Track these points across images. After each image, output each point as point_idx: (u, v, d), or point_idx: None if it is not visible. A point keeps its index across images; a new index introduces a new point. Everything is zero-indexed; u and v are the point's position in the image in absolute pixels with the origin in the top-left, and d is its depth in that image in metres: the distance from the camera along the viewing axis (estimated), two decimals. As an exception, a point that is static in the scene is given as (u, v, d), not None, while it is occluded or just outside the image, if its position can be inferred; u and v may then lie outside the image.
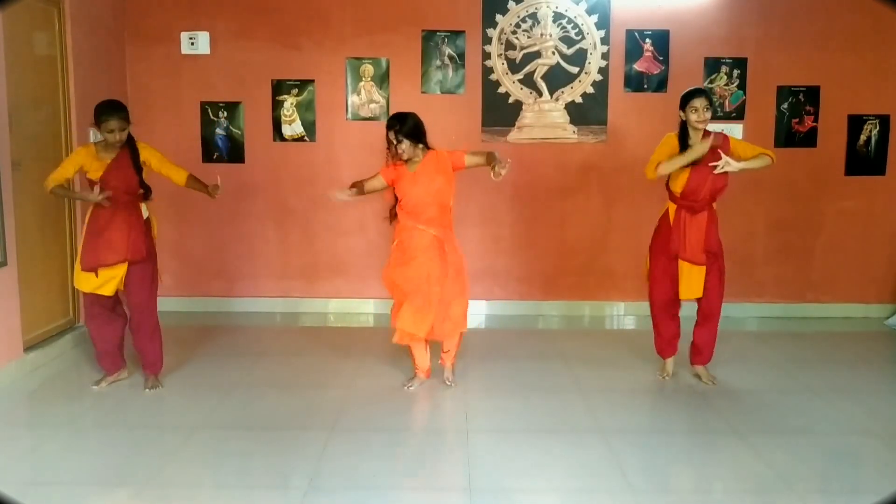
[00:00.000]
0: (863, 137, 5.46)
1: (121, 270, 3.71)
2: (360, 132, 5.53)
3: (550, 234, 5.61)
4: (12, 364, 4.01)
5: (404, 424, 3.58)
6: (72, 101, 4.65)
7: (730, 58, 5.41)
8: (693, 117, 3.68)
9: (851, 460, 3.23)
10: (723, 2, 5.37)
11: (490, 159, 3.55)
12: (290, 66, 5.46)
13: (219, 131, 5.52)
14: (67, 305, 4.70)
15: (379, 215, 5.55)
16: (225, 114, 5.51)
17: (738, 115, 5.45)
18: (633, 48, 5.42)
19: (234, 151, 5.54)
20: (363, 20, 5.42)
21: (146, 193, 3.78)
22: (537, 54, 5.44)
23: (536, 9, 5.40)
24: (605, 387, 4.02)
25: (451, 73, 5.45)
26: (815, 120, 5.45)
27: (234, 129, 5.52)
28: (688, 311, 4.05)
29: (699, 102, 3.66)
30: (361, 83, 5.47)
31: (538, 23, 5.41)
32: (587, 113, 5.48)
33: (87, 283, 3.71)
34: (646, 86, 5.44)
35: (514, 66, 5.44)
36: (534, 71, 5.45)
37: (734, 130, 5.41)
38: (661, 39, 5.40)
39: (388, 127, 3.70)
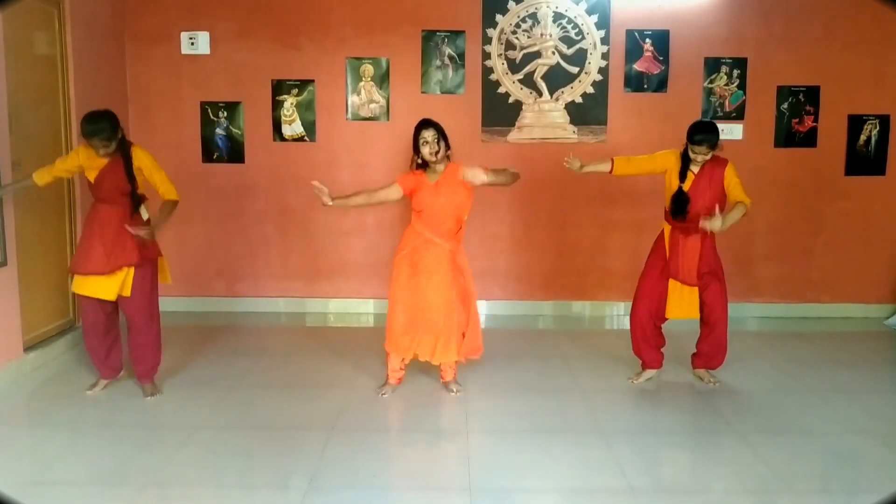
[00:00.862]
0: (863, 137, 5.46)
1: (121, 274, 3.63)
2: (360, 132, 5.53)
3: (550, 234, 5.61)
4: (12, 364, 4.01)
5: (404, 424, 3.58)
6: (72, 101, 4.65)
7: (730, 58, 5.41)
8: (690, 153, 3.73)
9: (851, 460, 3.22)
10: (723, 2, 5.37)
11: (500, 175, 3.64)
12: (290, 66, 5.46)
13: (219, 131, 5.52)
14: (67, 305, 4.70)
15: (379, 215, 5.58)
16: (225, 114, 5.51)
17: (738, 115, 5.45)
18: (633, 48, 5.42)
19: (234, 151, 5.54)
20: (363, 20, 5.42)
21: (139, 202, 3.68)
22: (537, 54, 5.44)
23: (536, 9, 5.40)
24: (605, 387, 4.02)
25: (451, 73, 5.45)
26: (815, 120, 5.45)
27: (234, 129, 5.52)
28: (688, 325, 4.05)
29: (700, 149, 3.69)
30: (361, 83, 5.47)
31: (538, 23, 5.41)
32: (587, 113, 5.48)
33: (84, 286, 3.62)
34: (646, 86, 5.44)
35: (514, 66, 5.44)
36: (534, 71, 5.45)
37: (734, 130, 5.43)
38: (661, 39, 5.40)
39: (426, 126, 3.60)
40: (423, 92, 5.45)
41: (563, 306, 5.67)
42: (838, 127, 5.46)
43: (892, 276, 5.61)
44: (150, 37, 5.44)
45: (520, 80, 5.46)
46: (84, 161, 3.63)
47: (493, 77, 5.46)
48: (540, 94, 5.47)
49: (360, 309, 5.66)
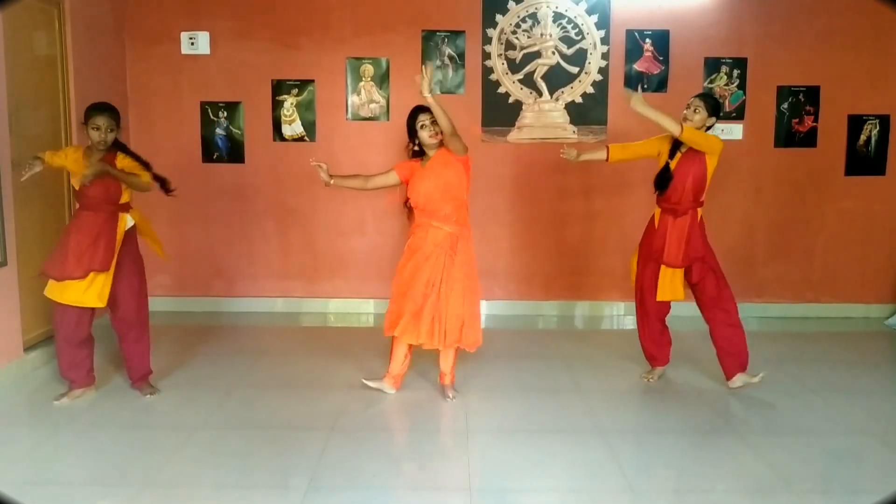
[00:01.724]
0: (863, 137, 5.46)
1: (103, 280, 3.56)
2: (360, 132, 5.53)
3: (550, 234, 5.61)
4: (12, 364, 4.01)
5: (404, 424, 3.58)
6: (72, 101, 4.65)
7: (730, 58, 5.41)
8: (683, 112, 3.76)
9: (851, 460, 3.22)
10: (723, 2, 5.37)
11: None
12: (290, 66, 5.46)
13: (219, 131, 5.52)
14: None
15: (379, 215, 5.58)
16: (225, 114, 5.51)
17: (738, 115, 5.45)
18: (633, 48, 5.42)
19: (234, 151, 5.54)
20: (363, 20, 5.42)
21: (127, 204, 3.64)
22: (537, 54, 5.44)
23: (536, 9, 5.40)
24: (605, 387, 4.02)
25: (451, 73, 5.45)
26: (815, 120, 5.45)
27: (234, 129, 5.52)
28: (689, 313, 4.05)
29: (693, 101, 3.76)
30: (361, 83, 5.47)
31: (538, 23, 5.41)
32: (587, 113, 5.48)
33: (64, 294, 3.51)
34: (646, 86, 5.44)
35: (514, 66, 5.44)
36: (534, 71, 5.45)
37: (734, 130, 5.43)
38: (661, 39, 5.40)
39: (421, 109, 3.63)
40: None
41: (563, 306, 5.67)
42: (838, 127, 5.46)
43: (892, 276, 5.61)
44: (150, 37, 5.44)
45: (520, 80, 5.46)
46: (71, 164, 3.53)
47: (493, 77, 5.46)
48: (540, 94, 5.47)
49: (360, 309, 5.66)
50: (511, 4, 5.39)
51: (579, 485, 2.92)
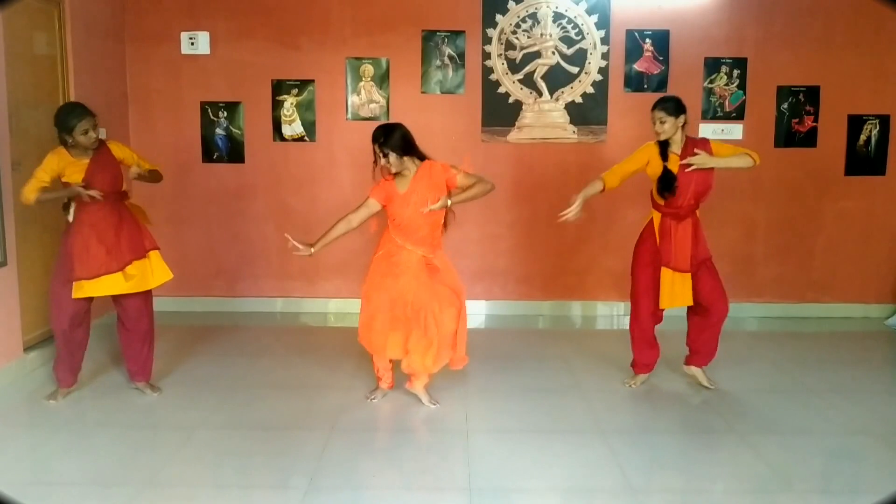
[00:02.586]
0: (863, 137, 5.46)
1: (143, 265, 3.63)
2: (360, 132, 5.52)
3: (550, 234, 5.61)
4: (12, 364, 4.01)
5: (404, 424, 3.58)
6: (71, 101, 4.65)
7: (730, 58, 5.41)
8: (657, 128, 3.72)
9: (851, 460, 3.23)
10: (723, 2, 5.37)
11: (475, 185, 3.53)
12: (290, 66, 5.46)
13: (219, 131, 5.52)
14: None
15: (379, 215, 5.56)
16: (225, 114, 5.51)
17: (738, 115, 5.45)
18: (633, 48, 5.42)
19: (234, 151, 5.54)
20: (363, 20, 5.42)
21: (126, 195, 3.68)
22: (537, 54, 5.44)
23: (536, 9, 5.40)
24: (605, 387, 4.02)
25: (451, 73, 5.45)
26: (815, 120, 5.45)
27: (234, 129, 5.52)
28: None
29: (654, 115, 3.71)
30: (361, 83, 5.47)
31: (538, 23, 5.41)
32: (587, 113, 5.48)
33: (93, 288, 3.55)
34: (646, 86, 5.44)
35: (514, 66, 5.44)
36: (534, 71, 5.45)
37: (734, 130, 5.43)
38: (661, 39, 5.40)
39: (373, 140, 3.49)
40: (423, 92, 5.45)
41: (562, 306, 5.67)
42: (838, 127, 5.45)
43: (892, 276, 5.61)
44: (150, 37, 5.44)
45: (520, 80, 5.46)
46: (59, 166, 3.49)
47: (493, 77, 5.46)
48: (540, 94, 5.47)
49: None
50: (511, 4, 5.39)
51: (579, 485, 2.92)
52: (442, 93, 5.47)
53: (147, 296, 3.76)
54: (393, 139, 3.46)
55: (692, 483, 3.01)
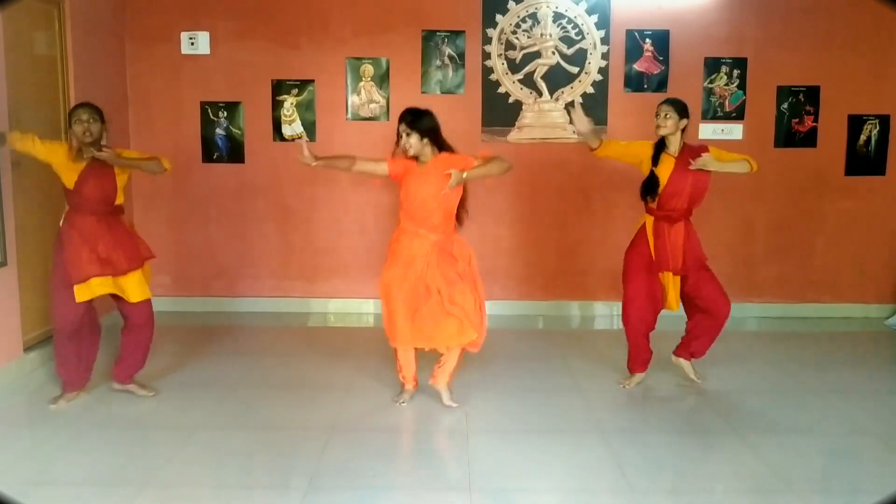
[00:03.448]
0: (863, 137, 5.46)
1: (139, 276, 3.62)
2: (360, 132, 5.53)
3: (550, 234, 5.61)
4: (12, 364, 4.01)
5: (404, 424, 3.57)
6: (72, 101, 4.63)
7: (730, 58, 5.41)
8: (655, 122, 3.75)
9: (851, 460, 3.23)
10: (723, 2, 5.37)
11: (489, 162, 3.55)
12: (290, 66, 5.46)
13: (219, 131, 5.52)
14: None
15: (379, 215, 5.58)
16: (225, 114, 5.51)
17: (738, 115, 5.45)
18: (633, 48, 5.42)
19: (234, 151, 5.54)
20: (363, 20, 5.42)
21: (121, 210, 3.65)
22: (537, 54, 5.44)
23: (536, 9, 5.40)
24: (605, 387, 4.02)
25: (451, 73, 5.45)
26: (815, 120, 5.45)
27: (234, 129, 5.52)
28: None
29: (660, 109, 3.74)
30: (361, 83, 5.48)
31: (538, 23, 5.41)
32: (587, 113, 5.45)
33: (88, 291, 3.52)
34: (646, 86, 5.44)
35: (514, 66, 5.45)
36: (534, 71, 5.45)
37: (734, 130, 5.43)
38: (661, 39, 5.40)
39: (401, 119, 3.57)
40: (423, 92, 5.45)
41: (563, 306, 5.67)
42: (838, 127, 5.46)
43: (892, 276, 5.61)
44: (150, 37, 5.44)
45: (520, 80, 5.46)
46: (60, 159, 3.47)
47: (493, 77, 5.46)
48: (540, 94, 5.47)
49: (360, 309, 5.66)
50: (511, 4, 5.39)
51: (579, 485, 2.93)
52: (442, 93, 5.47)
53: (149, 304, 3.74)
54: (420, 122, 3.54)
55: (692, 483, 3.00)
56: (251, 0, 5.42)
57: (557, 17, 5.41)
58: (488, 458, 3.16)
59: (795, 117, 5.45)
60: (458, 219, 3.69)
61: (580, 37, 5.42)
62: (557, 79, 5.45)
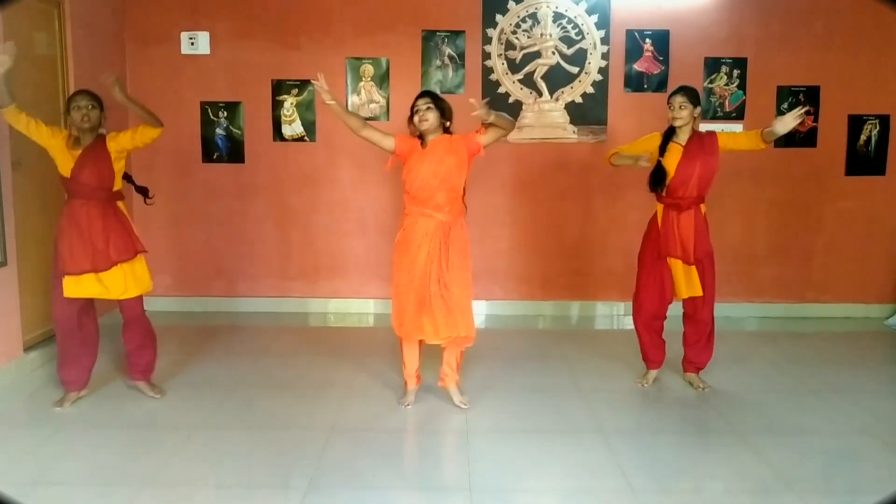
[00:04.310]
0: (863, 137, 5.46)
1: (129, 269, 3.56)
2: (360, 132, 5.52)
3: (550, 233, 5.61)
4: (12, 364, 4.01)
5: (404, 424, 3.57)
6: (72, 101, 4.64)
7: (730, 58, 5.41)
8: (669, 114, 3.74)
9: (851, 460, 3.22)
10: (723, 2, 5.37)
11: (498, 120, 3.52)
12: (290, 66, 5.46)
13: (219, 131, 5.52)
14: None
15: (379, 215, 5.58)
16: (225, 114, 5.51)
17: (738, 115, 5.45)
18: (633, 48, 5.42)
19: (234, 151, 5.54)
20: (363, 20, 5.42)
21: (123, 189, 3.60)
22: (537, 54, 5.44)
23: (536, 9, 5.40)
24: (605, 387, 4.02)
25: (451, 73, 5.45)
26: (815, 120, 5.45)
27: (234, 129, 5.52)
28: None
29: (675, 100, 3.72)
30: (361, 83, 5.47)
31: (538, 23, 5.41)
32: (587, 113, 5.48)
33: (77, 288, 3.49)
34: (646, 86, 5.44)
35: (514, 66, 5.44)
36: (534, 71, 5.45)
37: (734, 130, 5.42)
38: (661, 39, 5.40)
39: (422, 94, 3.59)
40: (423, 92, 5.45)
41: (562, 306, 5.67)
42: (838, 127, 5.46)
43: (892, 276, 5.61)
44: (150, 37, 5.44)
45: (520, 80, 5.46)
46: (60, 146, 3.44)
47: (493, 77, 5.46)
48: (540, 94, 5.47)
49: (360, 309, 5.66)
50: (511, 4, 5.39)
51: (579, 485, 2.92)
52: (442, 93, 5.42)
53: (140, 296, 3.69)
54: (441, 101, 3.58)
55: (692, 483, 3.01)
56: (251, 0, 5.42)
57: (557, 17, 5.41)
58: (488, 458, 3.16)
59: (795, 117, 5.44)
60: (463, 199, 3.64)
61: (580, 37, 5.42)
62: (557, 79, 5.45)
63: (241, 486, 2.91)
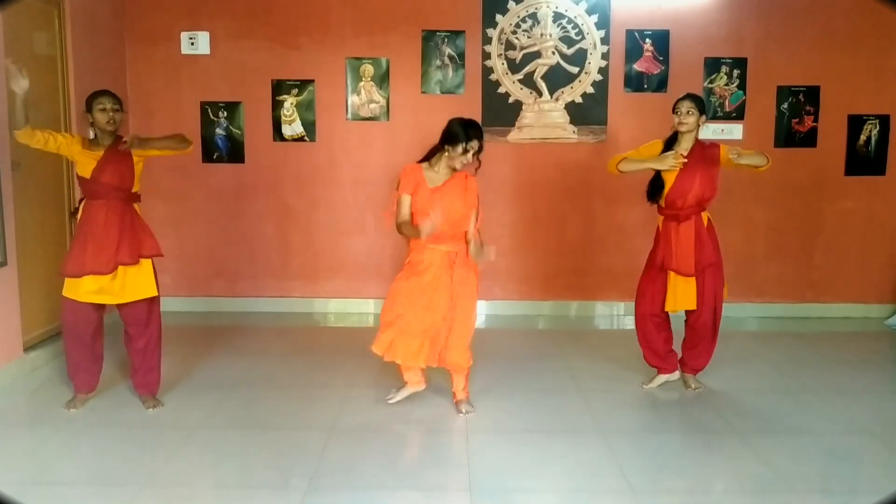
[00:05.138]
0: (863, 137, 5.46)
1: (133, 274, 3.48)
2: (360, 132, 5.53)
3: (550, 234, 5.61)
4: (12, 364, 4.01)
5: (404, 425, 3.57)
6: (72, 101, 4.65)
7: (730, 58, 5.41)
8: (675, 119, 3.70)
9: (851, 460, 3.23)
10: (723, 2, 5.37)
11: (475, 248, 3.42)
12: (290, 66, 5.46)
13: (219, 131, 5.52)
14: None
15: (379, 215, 5.57)
16: (225, 114, 5.51)
17: (738, 115, 5.45)
18: (633, 48, 5.42)
19: (234, 151, 5.54)
20: (363, 20, 5.42)
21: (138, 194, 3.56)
22: (537, 54, 5.44)
23: (536, 9, 5.40)
24: (605, 387, 4.02)
25: (451, 73, 5.45)
26: (815, 120, 5.45)
27: (234, 129, 5.52)
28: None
29: (682, 105, 3.68)
30: (361, 83, 5.48)
31: (538, 23, 5.42)
32: (587, 113, 5.48)
33: (76, 290, 3.43)
34: (646, 86, 5.44)
35: (514, 66, 5.45)
36: (534, 71, 5.45)
37: (734, 130, 5.43)
38: (661, 39, 5.40)
39: (474, 135, 3.39)
40: (423, 92, 5.45)
41: (563, 306, 5.67)
42: (838, 127, 5.46)
43: (892, 276, 5.61)
44: (150, 37, 5.44)
45: (520, 80, 5.46)
46: (74, 150, 3.41)
47: (493, 77, 5.46)
48: (540, 94, 5.47)
49: (360, 309, 5.66)
50: (511, 4, 5.39)
51: (579, 485, 2.92)
52: (442, 93, 5.47)
53: (150, 304, 3.60)
54: (483, 140, 3.45)
55: (692, 483, 3.00)
56: (251, 0, 5.42)
57: (557, 17, 5.41)
58: (488, 458, 3.16)
59: (795, 117, 5.45)
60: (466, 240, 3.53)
61: (580, 37, 5.42)
62: (557, 79, 5.45)
63: (241, 486, 2.91)
